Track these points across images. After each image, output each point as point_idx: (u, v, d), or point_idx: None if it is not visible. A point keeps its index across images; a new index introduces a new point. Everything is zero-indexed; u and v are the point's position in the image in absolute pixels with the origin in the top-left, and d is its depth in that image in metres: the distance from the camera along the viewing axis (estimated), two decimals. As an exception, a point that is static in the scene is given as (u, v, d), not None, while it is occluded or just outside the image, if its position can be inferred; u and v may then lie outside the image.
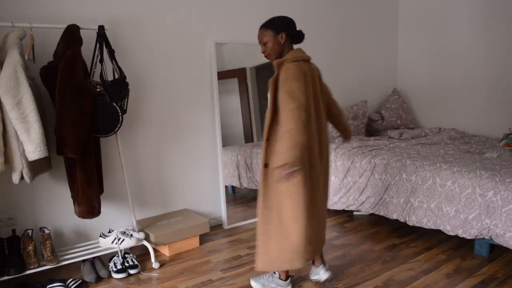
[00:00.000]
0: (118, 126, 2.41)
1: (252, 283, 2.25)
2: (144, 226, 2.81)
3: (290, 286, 2.22)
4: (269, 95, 1.97)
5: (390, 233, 3.07)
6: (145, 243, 2.64)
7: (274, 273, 2.22)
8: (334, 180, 3.35)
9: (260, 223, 2.03)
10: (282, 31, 2.01)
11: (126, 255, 2.56)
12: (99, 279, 2.43)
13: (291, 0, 3.66)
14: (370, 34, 4.37)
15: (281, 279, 2.19)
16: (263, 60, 3.56)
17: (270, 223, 2.01)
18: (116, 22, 2.74)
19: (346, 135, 2.35)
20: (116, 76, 2.47)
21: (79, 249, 2.56)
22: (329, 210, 3.42)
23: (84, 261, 2.50)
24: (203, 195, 3.28)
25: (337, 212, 3.58)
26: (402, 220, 2.88)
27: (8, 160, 2.10)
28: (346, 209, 3.28)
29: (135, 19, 2.82)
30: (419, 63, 4.47)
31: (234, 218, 3.39)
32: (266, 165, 1.99)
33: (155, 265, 2.58)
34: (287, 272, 2.20)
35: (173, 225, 2.82)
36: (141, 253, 2.81)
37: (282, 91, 1.85)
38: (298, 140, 1.74)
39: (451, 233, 2.57)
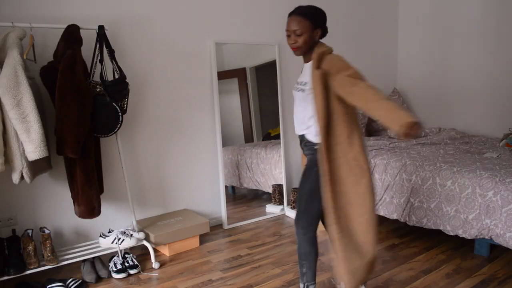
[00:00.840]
0: (118, 126, 2.42)
1: None
2: (144, 226, 2.81)
3: None
4: (314, 91, 1.78)
5: (390, 233, 3.07)
6: (145, 243, 2.64)
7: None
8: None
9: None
10: (320, 27, 1.82)
11: (126, 255, 2.56)
12: (99, 279, 2.43)
13: (290, 0, 3.65)
14: (370, 34, 4.37)
15: None
16: (263, 60, 3.56)
17: None
18: (116, 22, 2.74)
19: None
20: (116, 76, 2.47)
21: (79, 249, 2.56)
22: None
23: (84, 261, 2.50)
24: (203, 195, 3.28)
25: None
26: (402, 220, 2.87)
27: (8, 160, 2.10)
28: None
29: (135, 19, 2.82)
30: (419, 63, 4.47)
31: (234, 218, 3.39)
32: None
33: (155, 265, 2.58)
34: None
35: (173, 225, 2.82)
36: (141, 253, 2.81)
37: (347, 75, 1.70)
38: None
39: (451, 233, 2.57)
